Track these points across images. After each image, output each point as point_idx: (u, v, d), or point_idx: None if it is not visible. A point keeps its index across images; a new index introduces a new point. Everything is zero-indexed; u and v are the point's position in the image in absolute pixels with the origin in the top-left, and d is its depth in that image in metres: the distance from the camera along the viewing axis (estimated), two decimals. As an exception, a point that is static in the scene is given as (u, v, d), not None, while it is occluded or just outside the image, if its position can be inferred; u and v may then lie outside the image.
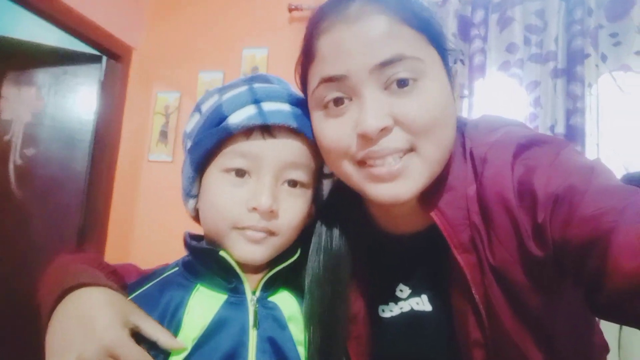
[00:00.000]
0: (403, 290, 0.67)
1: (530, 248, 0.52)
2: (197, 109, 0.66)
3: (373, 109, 0.52)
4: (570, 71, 1.86)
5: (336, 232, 0.66)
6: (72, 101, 2.47)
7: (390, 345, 0.67)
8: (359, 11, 0.53)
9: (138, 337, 0.52)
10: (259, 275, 0.62)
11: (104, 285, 0.54)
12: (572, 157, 0.54)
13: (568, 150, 0.55)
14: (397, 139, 0.53)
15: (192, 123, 0.65)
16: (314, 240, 0.66)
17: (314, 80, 0.56)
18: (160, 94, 2.49)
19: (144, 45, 2.56)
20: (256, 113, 0.58)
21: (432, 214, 0.58)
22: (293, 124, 0.58)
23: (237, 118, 0.58)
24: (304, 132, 0.59)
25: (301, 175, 0.61)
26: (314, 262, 0.65)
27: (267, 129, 0.58)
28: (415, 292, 0.66)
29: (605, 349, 0.71)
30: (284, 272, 0.63)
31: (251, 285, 0.61)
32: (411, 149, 0.54)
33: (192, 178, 0.62)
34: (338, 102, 0.55)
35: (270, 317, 0.60)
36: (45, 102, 2.49)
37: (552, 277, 0.53)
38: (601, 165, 0.52)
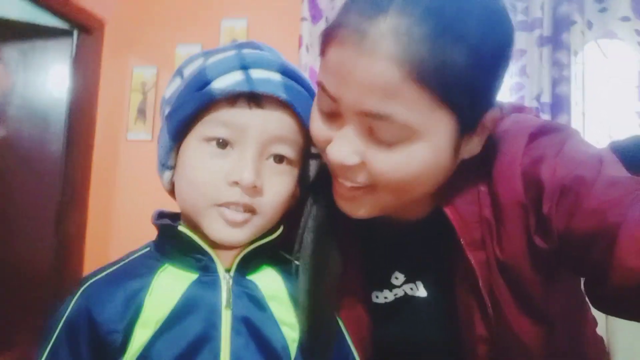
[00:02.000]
0: (398, 278, 0.66)
1: (535, 240, 0.52)
2: (179, 72, 0.61)
3: (344, 145, 0.49)
4: (556, 39, 1.84)
5: (327, 212, 0.63)
6: (43, 78, 2.37)
7: (385, 330, 0.66)
8: (374, 45, 0.44)
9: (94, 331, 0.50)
10: (235, 252, 0.57)
11: None
12: (580, 147, 0.53)
13: (575, 139, 0.54)
14: (359, 177, 0.51)
15: (172, 88, 0.60)
16: (305, 219, 0.63)
17: (319, 75, 0.53)
18: (136, 70, 2.40)
19: (117, 18, 2.45)
20: (243, 79, 0.53)
21: (447, 210, 0.56)
22: (282, 95, 0.54)
23: (222, 83, 0.53)
24: (294, 105, 0.55)
25: (288, 151, 0.56)
26: (305, 242, 0.62)
27: (253, 98, 0.54)
28: (410, 279, 0.65)
29: (595, 322, 0.73)
30: (265, 249, 0.59)
31: (226, 262, 0.56)
32: (371, 188, 0.52)
33: (169, 147, 0.57)
34: (330, 114, 0.52)
35: (245, 295, 0.56)
36: (14, 79, 2.37)
37: (555, 268, 0.53)
38: (609, 156, 0.51)
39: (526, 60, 1.89)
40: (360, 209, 0.55)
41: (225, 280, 0.55)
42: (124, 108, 2.40)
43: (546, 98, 1.83)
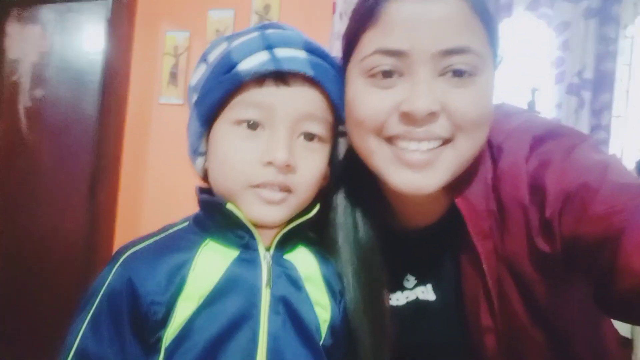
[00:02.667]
0: (409, 280, 0.68)
1: (538, 243, 0.52)
2: (203, 59, 0.61)
3: (425, 91, 0.51)
4: (605, 11, 1.72)
5: (362, 219, 0.66)
6: (79, 40, 2.40)
7: (398, 333, 0.67)
8: None
9: (134, 296, 0.51)
10: (274, 231, 0.58)
11: None
12: (587, 154, 0.53)
13: (584, 145, 0.54)
14: (441, 127, 0.52)
15: (197, 74, 0.61)
16: (340, 225, 0.65)
17: (368, 46, 0.54)
18: (168, 34, 2.40)
19: (150, -19, 2.45)
20: (269, 59, 0.53)
21: (458, 200, 0.58)
22: (309, 71, 0.54)
23: (248, 64, 0.54)
24: (321, 82, 0.56)
25: (319, 128, 0.57)
26: (344, 252, 0.64)
27: (280, 77, 0.54)
28: (421, 282, 0.67)
29: (618, 338, 0.71)
30: (300, 228, 0.60)
31: (265, 241, 0.58)
32: (448, 140, 0.53)
33: (200, 134, 0.58)
34: (387, 74, 0.53)
35: (283, 275, 0.57)
36: (52, 40, 2.42)
37: (560, 270, 0.53)
38: (616, 162, 0.51)
39: (570, 34, 1.79)
40: (435, 174, 0.54)
41: (265, 260, 0.56)
42: (157, 72, 2.42)
43: (589, 74, 1.73)
